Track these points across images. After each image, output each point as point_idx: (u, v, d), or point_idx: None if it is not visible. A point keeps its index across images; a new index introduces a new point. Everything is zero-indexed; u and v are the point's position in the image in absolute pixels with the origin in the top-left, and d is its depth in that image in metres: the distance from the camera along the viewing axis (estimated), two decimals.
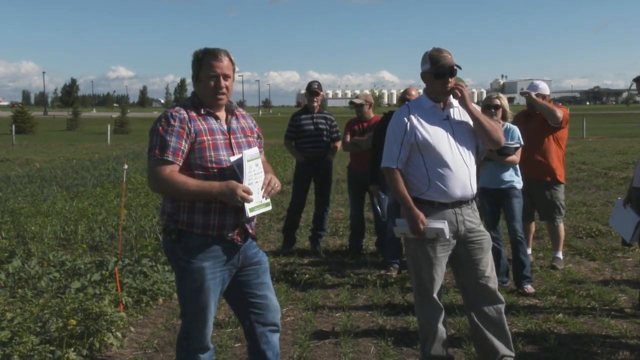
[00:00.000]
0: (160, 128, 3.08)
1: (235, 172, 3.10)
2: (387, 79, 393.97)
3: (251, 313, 3.32)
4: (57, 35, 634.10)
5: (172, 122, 3.08)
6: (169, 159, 3.04)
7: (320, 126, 7.35)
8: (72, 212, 9.48)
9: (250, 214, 3.10)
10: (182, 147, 3.07)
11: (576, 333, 4.69)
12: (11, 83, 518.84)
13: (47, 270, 6.05)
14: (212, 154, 3.11)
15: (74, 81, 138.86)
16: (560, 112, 6.16)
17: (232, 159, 3.13)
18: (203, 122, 3.14)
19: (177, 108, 3.17)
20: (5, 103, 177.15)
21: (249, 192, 3.05)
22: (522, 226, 5.87)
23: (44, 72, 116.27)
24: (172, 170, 3.04)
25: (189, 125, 3.09)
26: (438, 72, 3.73)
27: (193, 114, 3.14)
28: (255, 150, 3.20)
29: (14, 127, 35.76)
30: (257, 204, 3.13)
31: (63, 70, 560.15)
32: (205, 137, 3.11)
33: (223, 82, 3.16)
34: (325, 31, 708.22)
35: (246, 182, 3.07)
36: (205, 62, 3.15)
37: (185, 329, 3.25)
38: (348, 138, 7.22)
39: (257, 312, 3.32)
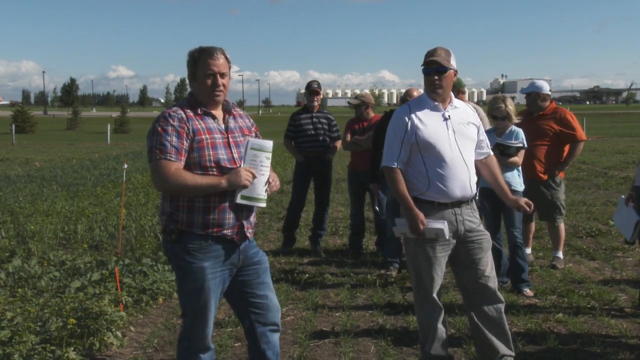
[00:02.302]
0: (160, 128, 3.08)
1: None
2: (388, 79, 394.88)
3: (251, 313, 3.32)
4: (57, 34, 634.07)
5: (171, 121, 3.08)
6: (172, 158, 3.04)
7: (320, 126, 7.34)
8: (72, 211, 9.48)
9: (239, 201, 3.10)
10: (184, 146, 3.07)
11: (576, 333, 4.69)
12: (11, 82, 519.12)
13: (47, 270, 6.05)
14: (211, 152, 3.11)
15: (73, 80, 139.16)
16: None
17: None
18: (201, 122, 3.15)
19: (174, 108, 3.18)
20: (5, 102, 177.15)
21: (253, 176, 3.08)
22: (522, 226, 5.87)
23: (44, 72, 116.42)
24: (178, 168, 3.05)
25: (188, 124, 3.09)
26: (424, 69, 3.77)
27: (190, 113, 3.15)
28: (266, 143, 3.18)
29: (14, 126, 35.85)
30: (251, 195, 3.13)
31: (63, 70, 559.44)
32: (203, 136, 3.11)
33: (220, 80, 3.17)
34: (325, 31, 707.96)
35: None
36: (201, 61, 3.16)
37: (186, 329, 3.25)
38: (348, 137, 7.22)
39: (257, 312, 3.31)
